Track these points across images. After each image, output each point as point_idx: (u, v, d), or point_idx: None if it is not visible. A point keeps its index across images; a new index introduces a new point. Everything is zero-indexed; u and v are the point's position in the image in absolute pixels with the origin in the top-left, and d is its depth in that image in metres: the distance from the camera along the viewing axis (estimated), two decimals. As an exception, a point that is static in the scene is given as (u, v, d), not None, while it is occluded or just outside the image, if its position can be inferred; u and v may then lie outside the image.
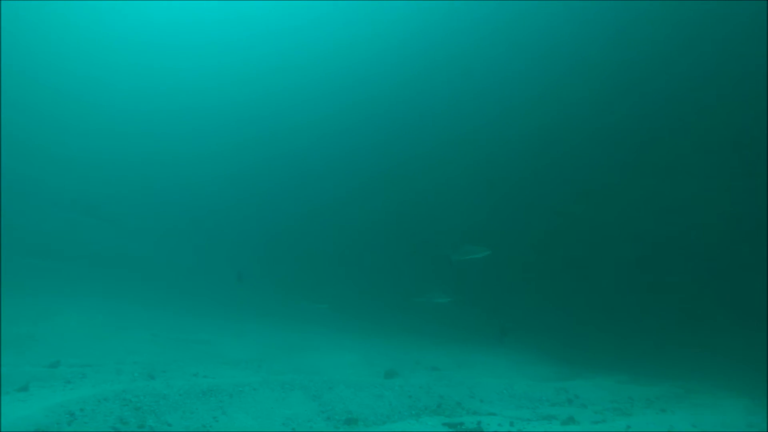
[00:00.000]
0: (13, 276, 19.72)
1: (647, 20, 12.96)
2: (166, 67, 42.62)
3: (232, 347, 14.04)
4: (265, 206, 33.25)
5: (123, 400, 5.87)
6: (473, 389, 9.27)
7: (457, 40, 21.20)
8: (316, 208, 27.88)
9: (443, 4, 22.34)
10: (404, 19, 24.68)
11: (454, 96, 21.21)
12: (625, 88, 13.57)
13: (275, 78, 34.73)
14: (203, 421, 6.23)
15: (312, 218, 28.16)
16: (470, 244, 11.13)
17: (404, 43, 24.54)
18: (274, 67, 35.44)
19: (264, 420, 6.71)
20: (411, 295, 12.86)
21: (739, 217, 10.76)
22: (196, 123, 41.17)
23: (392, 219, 22.44)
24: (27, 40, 41.31)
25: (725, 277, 10.76)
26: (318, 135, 29.65)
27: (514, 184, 17.17)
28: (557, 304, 14.64)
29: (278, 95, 34.10)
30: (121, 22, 42.51)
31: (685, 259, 11.75)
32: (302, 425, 6.91)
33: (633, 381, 10.31)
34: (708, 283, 11.25)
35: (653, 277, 12.93)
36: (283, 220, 30.94)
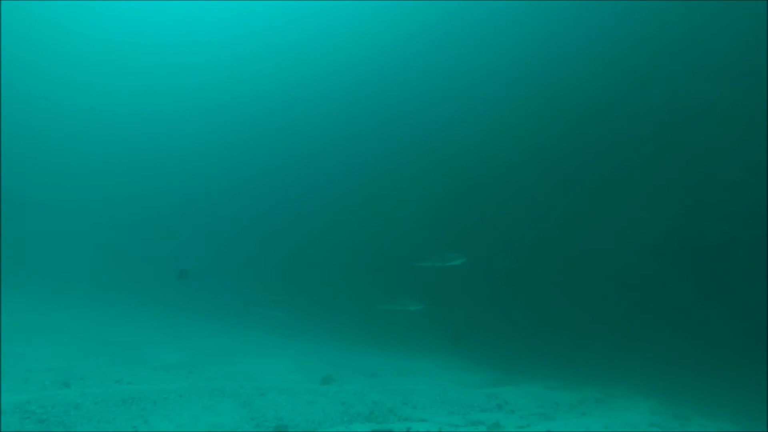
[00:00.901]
0: None
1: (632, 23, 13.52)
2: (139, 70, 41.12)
3: (164, 351, 13.43)
4: (238, 207, 32.35)
5: (24, 412, 5.40)
6: (407, 396, 9.35)
7: (438, 47, 21.42)
8: (292, 213, 27.31)
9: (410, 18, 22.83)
10: (385, 25, 24.86)
11: (427, 104, 21.47)
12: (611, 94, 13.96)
13: (260, 82, 34.00)
14: (120, 432, 5.91)
15: (287, 221, 27.59)
16: (447, 251, 11.08)
17: (386, 47, 24.53)
18: (249, 72, 34.86)
19: (189, 428, 6.45)
20: (376, 302, 12.63)
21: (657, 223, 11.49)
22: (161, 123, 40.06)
23: (361, 226, 22.32)
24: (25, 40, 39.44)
25: (647, 283, 11.47)
26: (292, 140, 29.14)
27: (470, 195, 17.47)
28: (495, 311, 15.07)
29: (259, 98, 33.44)
30: (105, 23, 40.69)
31: (611, 266, 12.40)
32: (228, 434, 6.71)
33: (561, 387, 10.78)
34: (632, 289, 11.93)
35: (586, 285, 13.51)
36: (257, 221, 30.13)
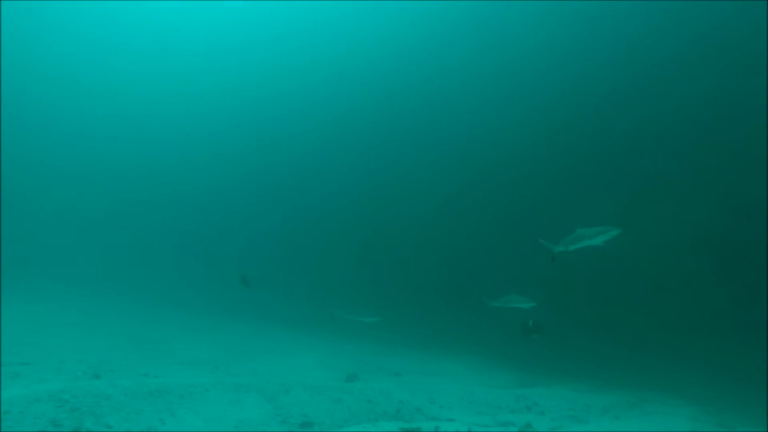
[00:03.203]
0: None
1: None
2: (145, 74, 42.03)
3: (189, 348, 13.58)
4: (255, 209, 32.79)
5: (59, 401, 5.47)
6: (434, 395, 9.19)
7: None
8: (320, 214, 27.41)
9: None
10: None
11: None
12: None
13: (277, 84, 34.35)
14: (148, 423, 5.92)
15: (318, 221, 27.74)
16: (515, 294, 9.99)
17: (400, 49, 24.45)
18: (271, 75, 35.14)
19: (215, 422, 6.43)
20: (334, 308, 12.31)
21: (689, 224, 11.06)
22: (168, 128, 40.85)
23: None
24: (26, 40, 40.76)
25: (680, 288, 11.06)
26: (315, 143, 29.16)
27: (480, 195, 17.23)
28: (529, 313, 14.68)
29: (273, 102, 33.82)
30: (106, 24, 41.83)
31: (643, 271, 12.03)
32: (255, 428, 6.67)
33: (591, 390, 10.46)
34: (666, 294, 11.54)
35: (614, 289, 13.14)
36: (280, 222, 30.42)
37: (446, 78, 20.99)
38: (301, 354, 14.00)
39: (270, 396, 7.99)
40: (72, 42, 42.40)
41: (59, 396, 5.67)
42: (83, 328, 14.12)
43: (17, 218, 37.68)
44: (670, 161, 12.50)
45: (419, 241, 19.50)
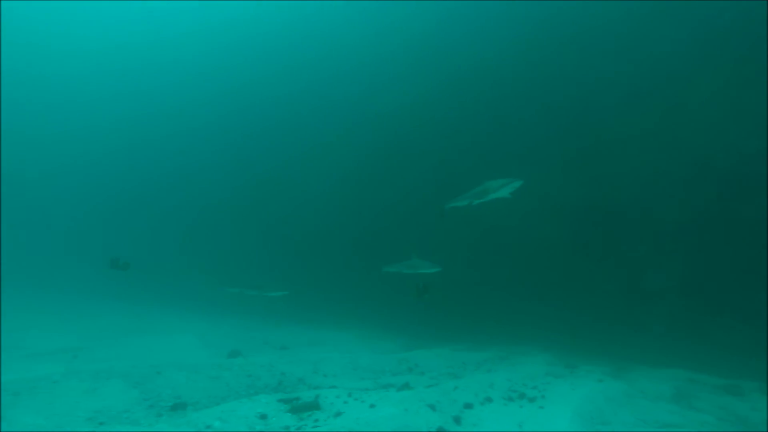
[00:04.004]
0: None
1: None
2: None
3: (48, 336, 12.03)
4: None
5: None
6: (318, 365, 9.15)
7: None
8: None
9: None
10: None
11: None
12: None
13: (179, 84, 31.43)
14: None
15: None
16: (416, 258, 9.38)
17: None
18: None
19: (61, 418, 5.70)
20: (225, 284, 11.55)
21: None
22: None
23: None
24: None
25: (543, 253, 12.09)
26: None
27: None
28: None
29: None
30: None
31: (515, 238, 12.91)
32: (115, 417, 6.05)
33: (468, 349, 11.18)
34: (532, 259, 12.52)
35: (491, 257, 13.90)
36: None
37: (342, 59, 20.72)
38: (180, 332, 13.12)
39: (137, 380, 7.32)
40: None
41: None
42: None
43: None
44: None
45: (319, 218, 19.28)
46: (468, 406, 6.54)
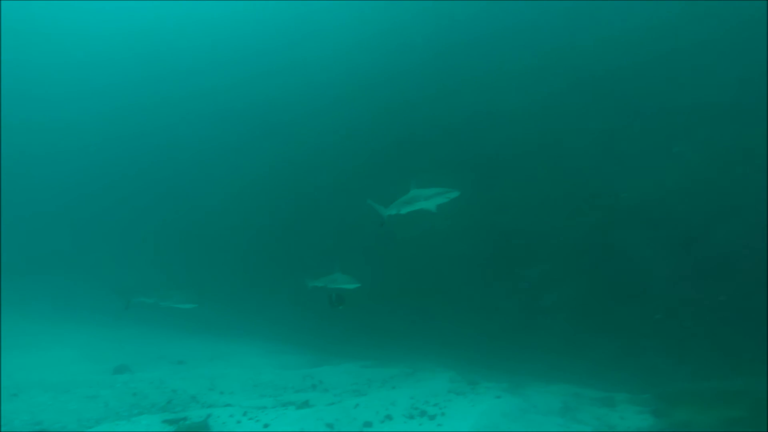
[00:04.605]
0: None
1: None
2: None
3: None
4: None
5: None
6: (215, 381, 8.59)
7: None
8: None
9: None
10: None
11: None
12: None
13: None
14: None
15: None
16: (339, 273, 8.65)
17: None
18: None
19: None
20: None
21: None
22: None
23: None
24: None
25: (453, 270, 12.35)
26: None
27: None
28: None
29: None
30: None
31: (432, 252, 13.10)
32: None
33: (376, 365, 11.08)
34: (443, 276, 12.75)
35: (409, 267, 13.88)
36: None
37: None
38: (60, 345, 11.75)
39: (-10, 402, 6.36)
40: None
41: None
42: None
43: None
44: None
45: (229, 228, 18.42)
46: (367, 424, 6.43)
